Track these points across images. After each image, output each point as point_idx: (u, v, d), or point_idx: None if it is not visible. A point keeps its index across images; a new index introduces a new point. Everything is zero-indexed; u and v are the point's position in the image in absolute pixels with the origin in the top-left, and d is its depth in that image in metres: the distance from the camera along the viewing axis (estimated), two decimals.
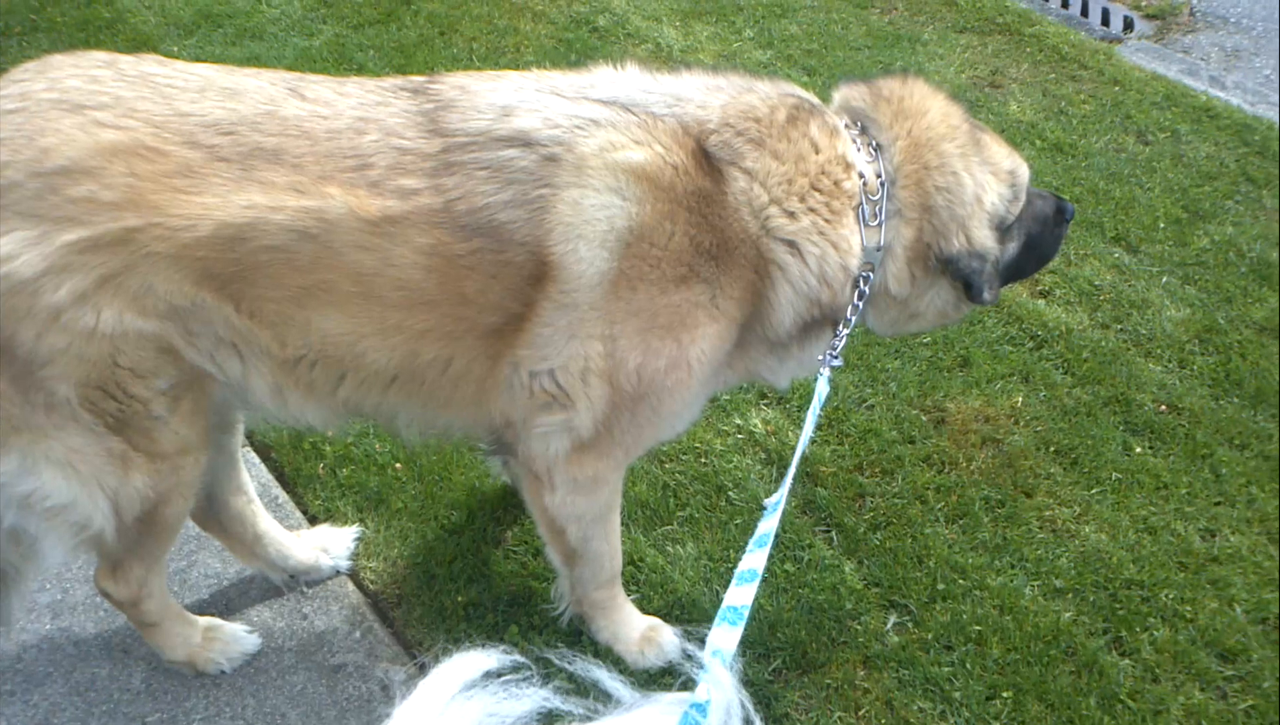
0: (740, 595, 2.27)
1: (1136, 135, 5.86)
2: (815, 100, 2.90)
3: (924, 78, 3.01)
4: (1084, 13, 7.26)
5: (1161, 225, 5.21)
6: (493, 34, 6.49)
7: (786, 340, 2.89)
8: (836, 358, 2.89)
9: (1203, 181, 5.51)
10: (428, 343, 2.68)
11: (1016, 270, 3.19)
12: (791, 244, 2.73)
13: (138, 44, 6.13)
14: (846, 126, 2.89)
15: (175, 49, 6.12)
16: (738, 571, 2.35)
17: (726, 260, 2.69)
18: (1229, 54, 6.88)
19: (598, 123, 2.62)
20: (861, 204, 2.79)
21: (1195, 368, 4.46)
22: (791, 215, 2.72)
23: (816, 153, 2.77)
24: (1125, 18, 7.20)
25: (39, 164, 2.36)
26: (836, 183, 2.77)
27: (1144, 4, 7.38)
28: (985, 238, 2.90)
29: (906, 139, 2.87)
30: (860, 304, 2.86)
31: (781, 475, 3.89)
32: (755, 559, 2.38)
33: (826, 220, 2.75)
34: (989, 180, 2.91)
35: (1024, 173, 3.04)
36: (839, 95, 3.01)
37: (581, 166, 2.57)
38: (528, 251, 2.57)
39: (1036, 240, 3.13)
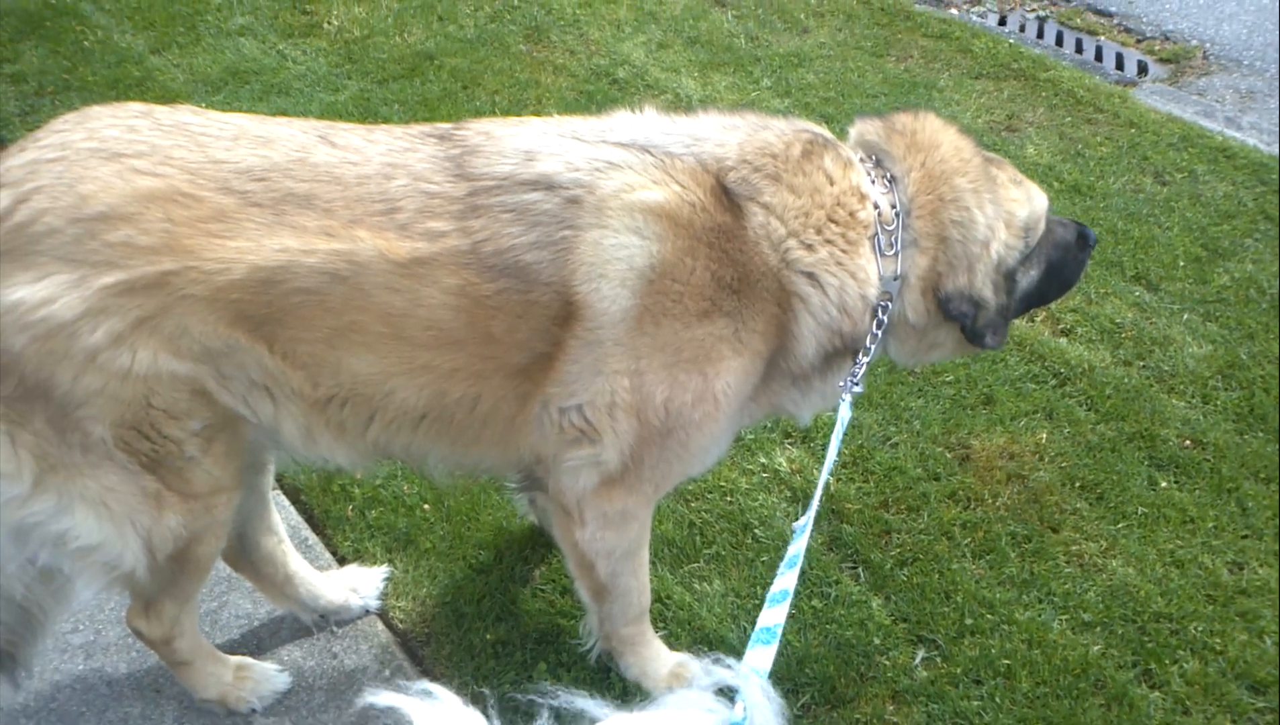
0: (772, 616, 2.30)
1: (1154, 176, 5.90)
2: (829, 135, 2.95)
3: (935, 112, 3.05)
4: (1098, 57, 7.33)
5: (1181, 263, 5.23)
6: (515, 87, 6.59)
7: (809, 372, 2.92)
8: (858, 384, 2.92)
9: (1221, 220, 5.54)
10: (456, 382, 2.73)
11: (1038, 297, 3.23)
12: (811, 276, 2.77)
13: (167, 100, 6.17)
14: (861, 160, 2.93)
15: (203, 105, 6.22)
16: (769, 593, 2.38)
17: (748, 294, 2.73)
18: (1244, 95, 6.93)
19: (616, 165, 2.68)
20: (877, 234, 2.83)
21: (1219, 403, 4.47)
22: (809, 247, 2.76)
23: (831, 185, 2.82)
24: (1139, 62, 7.26)
25: (78, 210, 2.43)
26: (852, 214, 2.81)
27: (1158, 48, 7.45)
28: (984, 287, 2.92)
29: (920, 171, 2.91)
30: (879, 332, 2.88)
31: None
32: (786, 580, 2.41)
33: (844, 251, 2.79)
34: (999, 227, 2.94)
35: (1040, 208, 3.07)
36: (854, 130, 3.06)
37: (601, 208, 2.63)
38: (553, 291, 2.62)
39: (1058, 267, 3.17)
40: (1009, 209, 2.98)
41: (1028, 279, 3.10)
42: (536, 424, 2.82)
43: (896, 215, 2.86)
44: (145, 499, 2.70)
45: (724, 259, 2.69)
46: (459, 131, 2.78)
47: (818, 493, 2.68)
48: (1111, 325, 4.82)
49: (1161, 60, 7.34)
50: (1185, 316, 4.91)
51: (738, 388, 2.81)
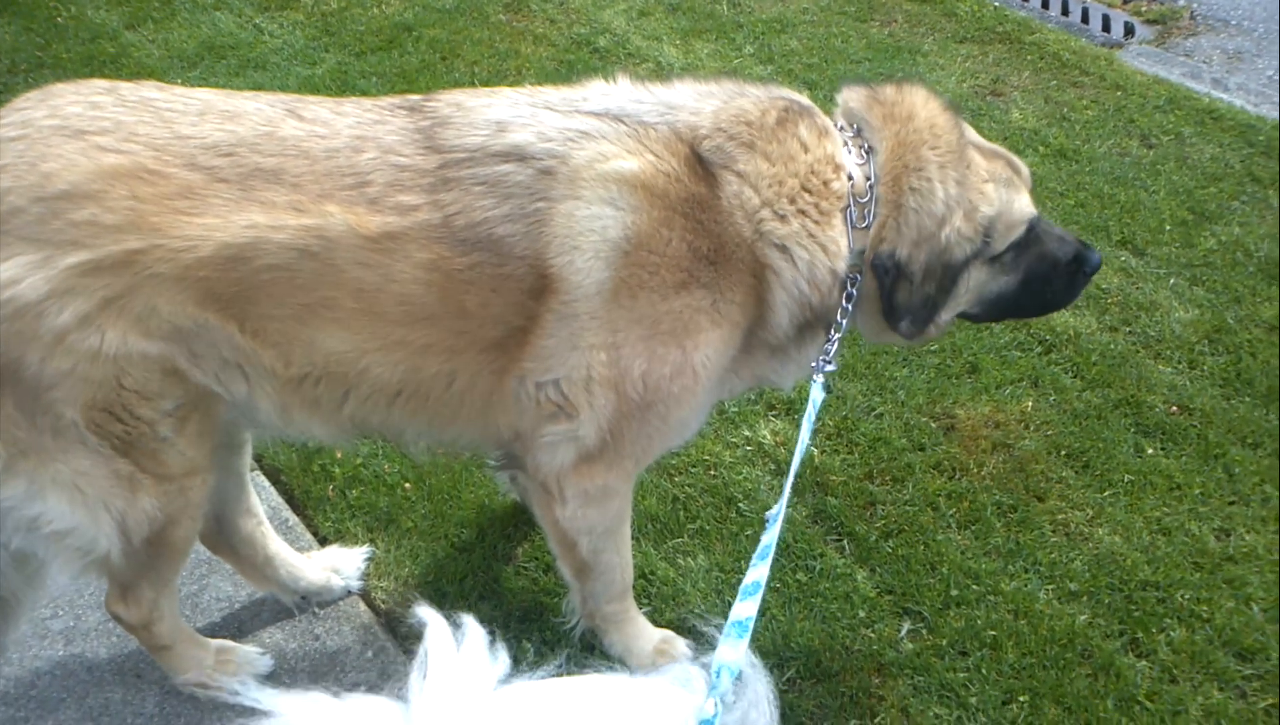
0: (744, 609, 2.25)
1: (1140, 139, 5.85)
2: (807, 102, 2.90)
3: (925, 84, 2.98)
4: (1084, 19, 7.27)
5: (1168, 227, 5.19)
6: (494, 58, 6.52)
7: (785, 343, 2.88)
8: (830, 362, 2.87)
9: (1208, 183, 5.50)
10: (430, 357, 2.69)
11: (1012, 307, 3.09)
12: (783, 247, 2.72)
13: (142, 77, 6.15)
14: (841, 129, 2.88)
15: (179, 81, 6.15)
16: (742, 586, 2.34)
17: (724, 265, 2.69)
18: (1231, 56, 6.88)
19: (590, 135, 2.64)
20: (850, 206, 2.77)
21: (1205, 368, 4.44)
22: (782, 217, 2.71)
23: (806, 152, 2.77)
24: (1125, 23, 7.20)
25: (41, 189, 2.38)
26: (825, 183, 2.76)
27: (1144, 9, 7.38)
28: (914, 261, 2.81)
29: (894, 140, 2.83)
30: (849, 307, 2.83)
31: (791, 486, 3.89)
32: (758, 572, 2.36)
33: (816, 222, 2.73)
34: (957, 212, 2.81)
35: (1014, 215, 2.91)
36: (841, 98, 2.99)
37: (575, 179, 2.59)
38: (527, 265, 2.58)
39: (1039, 282, 3.02)
40: (973, 199, 2.84)
41: (998, 283, 2.98)
42: (513, 399, 2.78)
43: (870, 187, 2.80)
44: (119, 482, 2.67)
45: (699, 230, 2.66)
46: (429, 103, 2.74)
47: (789, 480, 2.62)
48: (1097, 291, 4.78)
49: (1148, 21, 7.28)
50: (1172, 281, 4.88)
51: (716, 359, 2.78)
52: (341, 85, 6.20)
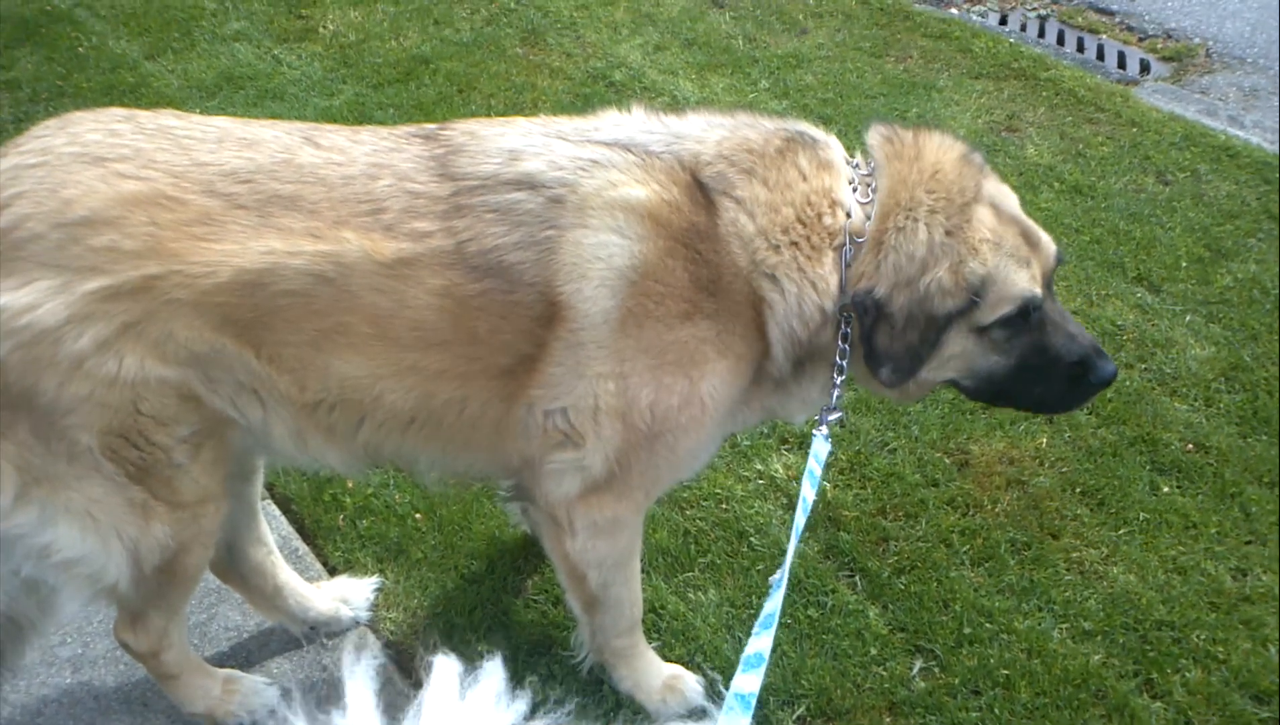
0: (748, 682, 2.17)
1: (1156, 175, 5.84)
2: (820, 136, 2.87)
3: (950, 131, 2.91)
4: (1100, 56, 7.28)
5: (1184, 264, 5.18)
6: (510, 90, 6.55)
7: (786, 377, 2.85)
8: (833, 412, 2.80)
9: (1224, 220, 5.49)
10: (443, 384, 2.69)
11: (1005, 392, 2.88)
12: (773, 278, 2.69)
13: (161, 106, 6.11)
14: (855, 166, 2.84)
15: (198, 110, 6.18)
16: (744, 655, 2.25)
17: (724, 295, 2.68)
18: (1247, 93, 6.87)
19: (599, 163, 2.65)
20: (845, 244, 2.70)
21: (1222, 406, 4.41)
22: (775, 247, 2.68)
23: (803, 182, 2.73)
24: (1141, 60, 7.21)
25: (61, 215, 2.40)
26: (819, 216, 2.71)
27: (1160, 46, 7.39)
28: (895, 302, 2.68)
29: (894, 178, 2.77)
30: (847, 347, 2.76)
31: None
32: (762, 642, 2.28)
33: (806, 256, 2.69)
34: (942, 262, 2.67)
35: (1010, 289, 2.70)
36: (867, 136, 2.94)
37: (583, 207, 2.59)
38: (536, 292, 2.59)
39: (1033, 374, 2.81)
40: (962, 252, 2.67)
41: (987, 361, 2.79)
42: (522, 427, 2.78)
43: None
44: (132, 509, 2.66)
45: (700, 259, 2.65)
46: (444, 131, 2.75)
47: (791, 544, 2.51)
48: (1113, 327, 4.77)
49: (1164, 58, 7.28)
50: (1188, 318, 4.86)
51: (724, 391, 2.76)
52: (359, 116, 6.23)
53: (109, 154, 2.49)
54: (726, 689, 3.25)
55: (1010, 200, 2.85)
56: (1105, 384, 2.85)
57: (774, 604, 2.36)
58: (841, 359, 2.78)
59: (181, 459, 2.65)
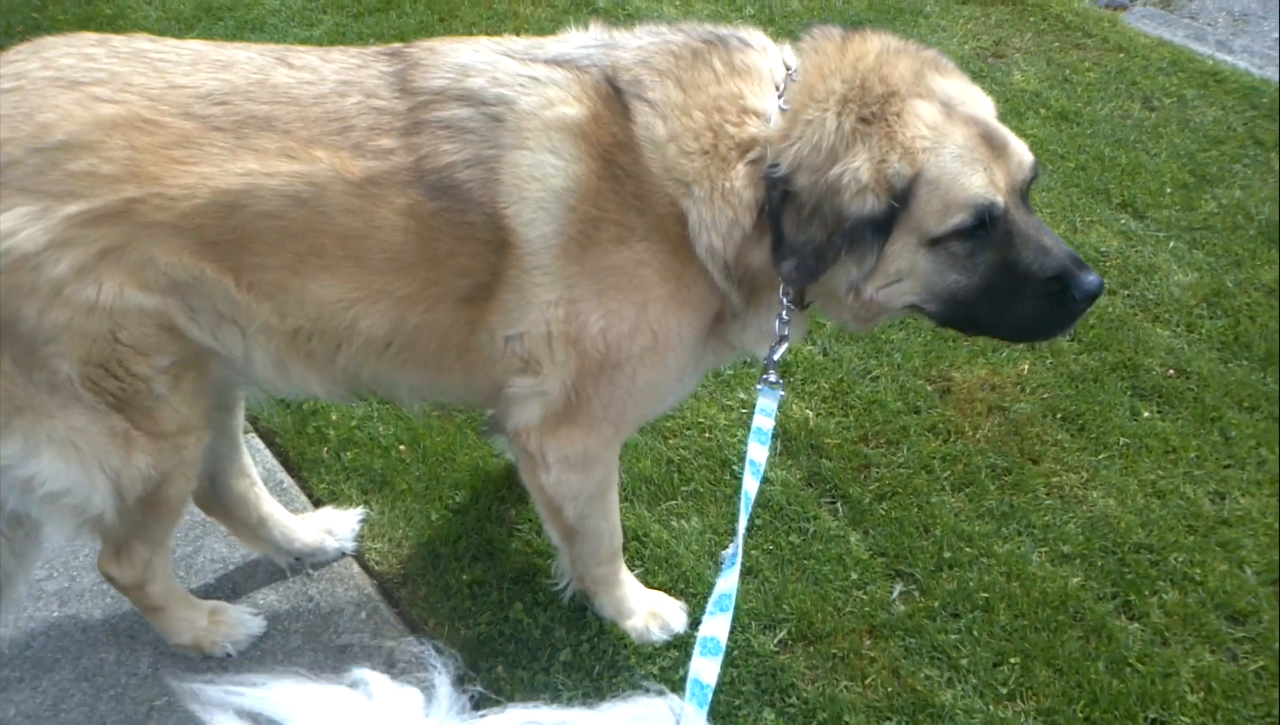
0: (705, 667, 2.01)
1: (1142, 101, 5.81)
2: (755, 39, 2.70)
3: (901, 36, 2.67)
4: None
5: (1168, 190, 5.16)
6: (492, 18, 6.47)
7: (739, 307, 2.72)
8: (773, 365, 2.62)
9: (1210, 146, 5.47)
10: (412, 308, 2.68)
11: (975, 315, 2.62)
12: (686, 186, 2.55)
13: None
14: (785, 69, 2.63)
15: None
16: (700, 637, 2.07)
17: (651, 212, 2.58)
18: (1236, 18, 6.82)
19: (539, 80, 2.59)
20: (764, 155, 2.51)
21: (1203, 332, 4.42)
22: (687, 154, 2.55)
23: (716, 85, 2.58)
24: None
25: (38, 140, 2.37)
26: (724, 124, 2.55)
27: None
28: (801, 183, 2.46)
29: (814, 73, 2.57)
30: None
31: (786, 449, 3.88)
32: (717, 625, 2.08)
33: (718, 167, 2.54)
34: (861, 156, 2.44)
35: (958, 190, 2.45)
36: (805, 41, 2.70)
37: (520, 127, 2.55)
38: (483, 213, 2.56)
39: (1003, 294, 2.55)
40: (884, 149, 2.44)
41: (947, 279, 2.55)
42: (486, 353, 2.77)
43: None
44: (113, 439, 2.66)
45: (623, 174, 2.56)
46: (408, 49, 2.71)
47: (742, 519, 2.32)
48: (1096, 253, 4.76)
49: None
50: (1171, 244, 4.85)
51: (676, 317, 2.67)
52: (339, 46, 6.15)
53: (84, 78, 2.46)
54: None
55: (974, 100, 2.58)
56: (1090, 299, 2.54)
57: (729, 582, 2.17)
58: (781, 288, 2.61)
59: (161, 389, 2.65)
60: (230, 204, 2.47)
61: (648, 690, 1.83)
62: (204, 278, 2.52)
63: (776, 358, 2.63)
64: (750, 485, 2.36)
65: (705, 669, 1.98)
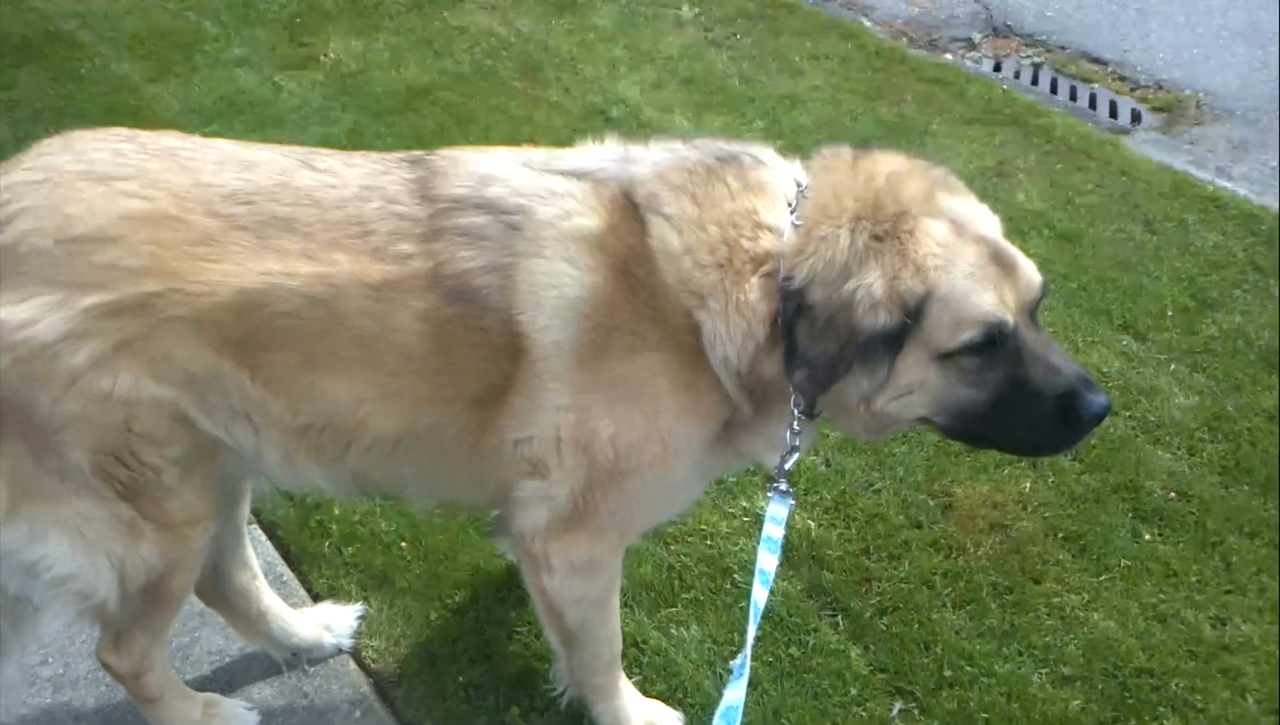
0: None
1: (1144, 224, 5.90)
2: (769, 157, 2.79)
3: (909, 154, 2.75)
4: (1092, 105, 7.36)
5: (1169, 313, 5.22)
6: (508, 123, 6.60)
7: (749, 416, 2.75)
8: (783, 474, 2.67)
9: (1210, 270, 5.54)
10: (424, 409, 2.71)
11: (985, 430, 2.67)
12: (701, 299, 2.61)
13: (162, 129, 6.22)
14: (804, 189, 2.69)
15: (197, 135, 6.22)
16: (719, 712, 2.08)
17: (665, 323, 2.62)
18: (1236, 145, 6.95)
19: (556, 192, 2.66)
20: (777, 268, 2.57)
21: (1205, 455, 4.44)
22: (702, 267, 2.60)
23: (730, 201, 2.65)
24: (1133, 110, 7.29)
25: (63, 231, 2.43)
26: (739, 238, 2.61)
27: (1151, 96, 7.48)
28: (816, 297, 2.51)
29: (824, 191, 2.63)
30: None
31: (787, 560, 3.88)
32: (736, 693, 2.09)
33: (732, 280, 2.59)
34: (873, 271, 2.49)
35: (969, 307, 2.50)
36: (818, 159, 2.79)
37: (538, 236, 2.61)
38: (499, 319, 2.60)
39: (1012, 410, 2.58)
40: (896, 266, 2.49)
41: (956, 394, 2.59)
42: (495, 456, 2.78)
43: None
44: (120, 528, 2.68)
45: (638, 284, 2.61)
46: (429, 157, 2.79)
47: (750, 629, 2.34)
48: (1099, 373, 4.80)
49: (1155, 109, 7.38)
50: (1173, 367, 4.90)
51: (687, 427, 2.71)
52: (357, 145, 6.27)
53: (113, 172, 2.52)
54: None
55: (982, 220, 2.65)
56: (1097, 419, 2.59)
57: (736, 694, 2.15)
58: (793, 396, 2.63)
59: (171, 481, 2.67)
60: (250, 302, 2.51)
61: None
62: (221, 372, 2.56)
63: (788, 467, 2.66)
64: (760, 594, 2.37)
65: None
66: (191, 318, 2.48)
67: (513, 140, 6.29)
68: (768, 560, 2.45)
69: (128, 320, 2.45)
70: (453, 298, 2.59)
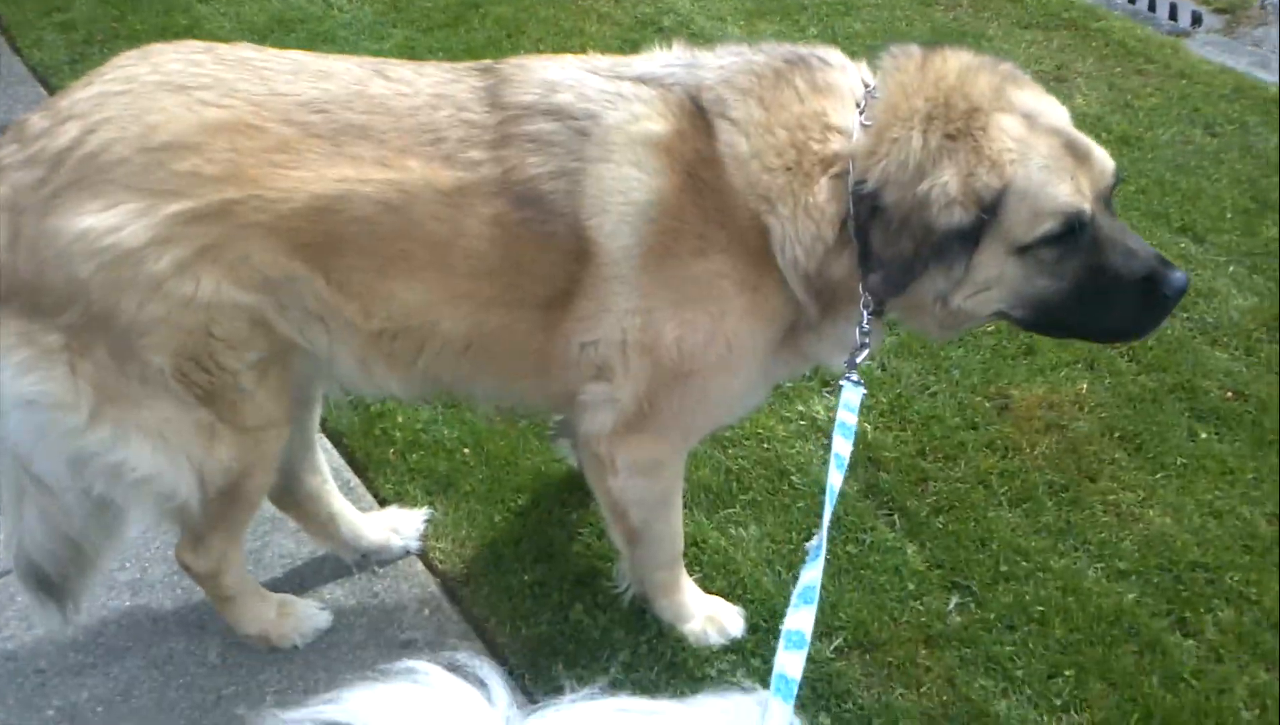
0: (790, 661, 1.99)
1: (1204, 127, 5.80)
2: (835, 58, 2.78)
3: (977, 51, 2.75)
4: (1151, 8, 7.19)
5: (1229, 215, 5.16)
6: (559, 35, 6.58)
7: (815, 317, 2.78)
8: (861, 353, 2.67)
9: (1270, 172, 5.45)
10: (493, 312, 2.77)
11: (1065, 319, 2.69)
12: (769, 202, 2.63)
13: None
14: (871, 90, 2.68)
15: None
16: (785, 630, 2.07)
17: (732, 225, 2.65)
18: None
19: (624, 97, 2.69)
20: (848, 169, 2.58)
21: (1262, 356, 4.41)
22: (770, 171, 2.62)
23: (799, 103, 2.65)
24: (1193, 12, 7.12)
25: (146, 140, 2.49)
26: (808, 141, 2.63)
27: None
28: (890, 198, 2.53)
29: (897, 91, 2.62)
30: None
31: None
32: (801, 619, 2.07)
33: (801, 182, 2.62)
34: (948, 170, 2.50)
35: (1046, 199, 2.51)
36: (885, 59, 2.75)
37: (605, 140, 2.64)
38: (566, 224, 2.65)
39: (1094, 297, 2.60)
40: (971, 162, 2.50)
41: (1036, 285, 2.61)
42: (561, 359, 2.85)
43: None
44: (199, 431, 2.77)
45: (705, 188, 2.65)
46: (498, 65, 2.83)
47: (827, 511, 2.34)
48: None
49: (1216, 10, 7.19)
50: (1231, 269, 4.85)
51: (750, 329, 2.76)
52: (409, 59, 6.25)
53: (191, 82, 2.58)
54: (765, 622, 3.32)
55: (1053, 111, 2.65)
56: (1178, 295, 2.62)
57: (813, 573, 2.17)
58: (865, 293, 2.66)
59: (248, 385, 2.75)
60: (325, 208, 2.57)
61: (740, 687, 1.82)
62: (296, 276, 2.63)
63: (859, 361, 2.67)
64: (835, 479, 2.40)
65: (790, 663, 1.98)
66: (269, 223, 2.55)
67: (563, 51, 6.28)
68: (842, 446, 2.46)
69: (209, 226, 2.52)
70: (521, 203, 2.64)
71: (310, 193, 2.56)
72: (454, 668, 1.69)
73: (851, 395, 2.60)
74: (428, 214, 2.62)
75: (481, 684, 1.68)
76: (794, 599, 2.13)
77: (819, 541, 2.25)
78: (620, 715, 1.66)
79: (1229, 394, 4.24)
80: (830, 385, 4.23)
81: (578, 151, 2.64)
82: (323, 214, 2.57)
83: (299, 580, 3.64)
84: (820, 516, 2.36)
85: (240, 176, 2.52)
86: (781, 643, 2.05)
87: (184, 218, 2.49)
